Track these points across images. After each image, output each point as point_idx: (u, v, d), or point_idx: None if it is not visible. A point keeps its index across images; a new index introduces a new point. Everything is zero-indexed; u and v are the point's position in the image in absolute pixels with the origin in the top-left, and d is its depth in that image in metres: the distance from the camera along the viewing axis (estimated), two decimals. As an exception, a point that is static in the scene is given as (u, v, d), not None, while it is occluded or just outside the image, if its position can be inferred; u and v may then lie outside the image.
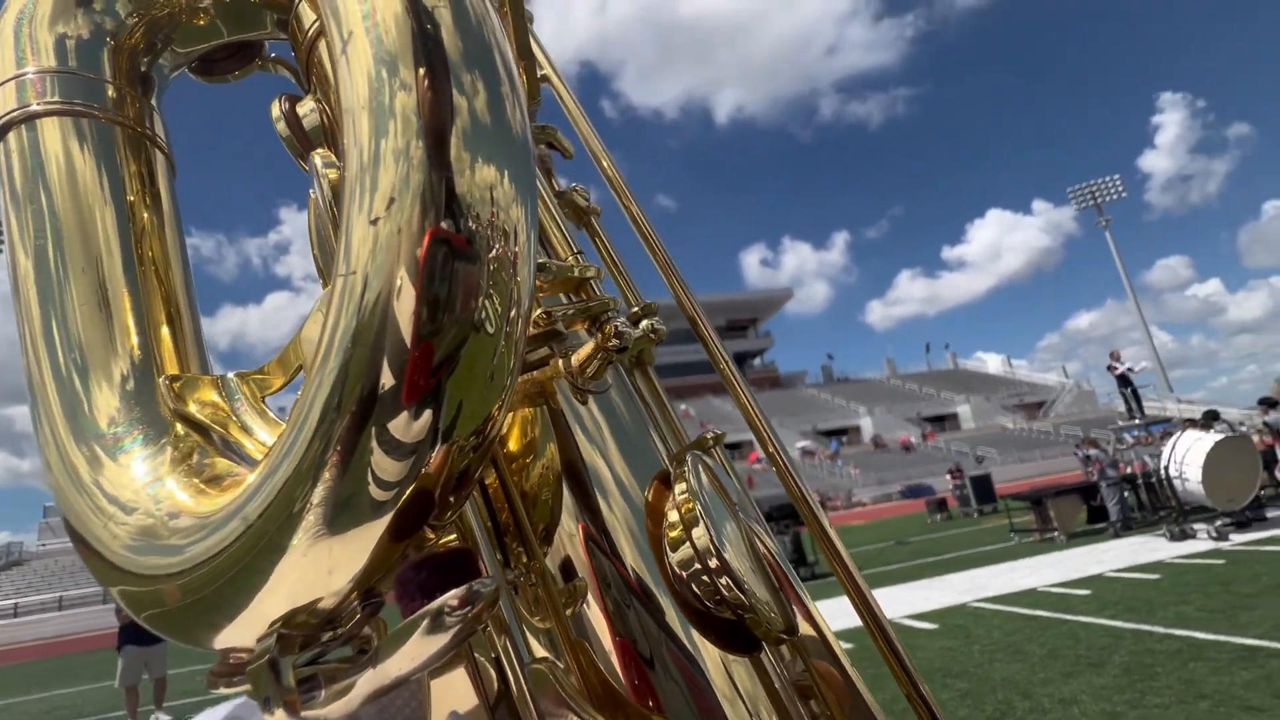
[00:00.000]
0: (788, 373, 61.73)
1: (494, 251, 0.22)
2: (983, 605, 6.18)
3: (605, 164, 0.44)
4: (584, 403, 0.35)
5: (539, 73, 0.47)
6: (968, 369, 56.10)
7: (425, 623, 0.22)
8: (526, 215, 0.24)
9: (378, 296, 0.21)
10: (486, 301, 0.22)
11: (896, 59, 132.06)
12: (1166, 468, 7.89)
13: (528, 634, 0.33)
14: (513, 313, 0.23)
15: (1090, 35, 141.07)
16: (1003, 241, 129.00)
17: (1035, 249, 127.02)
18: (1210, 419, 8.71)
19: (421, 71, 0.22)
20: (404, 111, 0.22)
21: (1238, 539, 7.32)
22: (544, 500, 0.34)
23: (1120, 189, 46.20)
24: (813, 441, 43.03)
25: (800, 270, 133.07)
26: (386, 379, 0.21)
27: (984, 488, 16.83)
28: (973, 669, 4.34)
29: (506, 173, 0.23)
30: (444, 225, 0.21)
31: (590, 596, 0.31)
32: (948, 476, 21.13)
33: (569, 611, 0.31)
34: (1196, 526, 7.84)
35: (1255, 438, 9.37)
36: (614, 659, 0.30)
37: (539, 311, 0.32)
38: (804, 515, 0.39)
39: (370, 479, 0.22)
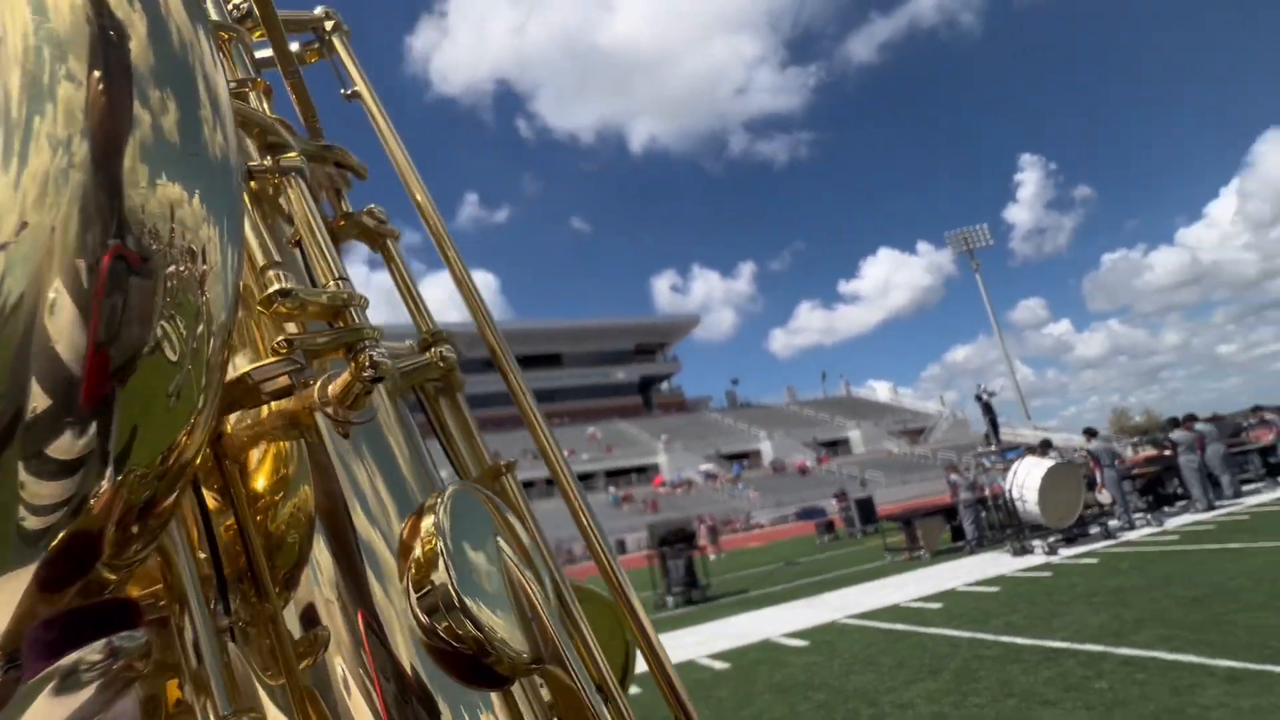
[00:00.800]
0: (694, 397, 63.45)
1: (174, 268, 0.21)
2: (850, 621, 6.59)
3: (414, 186, 0.43)
4: (345, 435, 0.33)
5: (351, 89, 0.46)
6: (859, 397, 60.44)
7: (54, 683, 0.20)
8: (221, 235, 0.23)
9: (20, 300, 0.18)
10: (165, 322, 0.21)
11: (800, 105, 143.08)
12: (1010, 490, 8.91)
13: (260, 691, 0.30)
14: (199, 331, 0.22)
15: (969, 95, 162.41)
16: (892, 278, 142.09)
17: (919, 286, 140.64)
18: (1045, 447, 9.97)
19: (97, 74, 0.20)
20: (69, 104, 0.20)
21: (1065, 553, 8.36)
22: (291, 542, 0.32)
23: (988, 236, 52.62)
24: (715, 465, 44.32)
25: (709, 297, 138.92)
26: (37, 400, 0.19)
27: (866, 510, 18.07)
28: (831, 681, 4.61)
29: (197, 193, 0.22)
30: (112, 237, 0.19)
31: (333, 644, 0.30)
32: (834, 500, 22.52)
33: (306, 663, 0.30)
34: (1034, 543, 8.88)
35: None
36: (354, 709, 0.29)
37: (278, 339, 0.31)
38: (591, 548, 0.40)
39: (20, 512, 0.19)
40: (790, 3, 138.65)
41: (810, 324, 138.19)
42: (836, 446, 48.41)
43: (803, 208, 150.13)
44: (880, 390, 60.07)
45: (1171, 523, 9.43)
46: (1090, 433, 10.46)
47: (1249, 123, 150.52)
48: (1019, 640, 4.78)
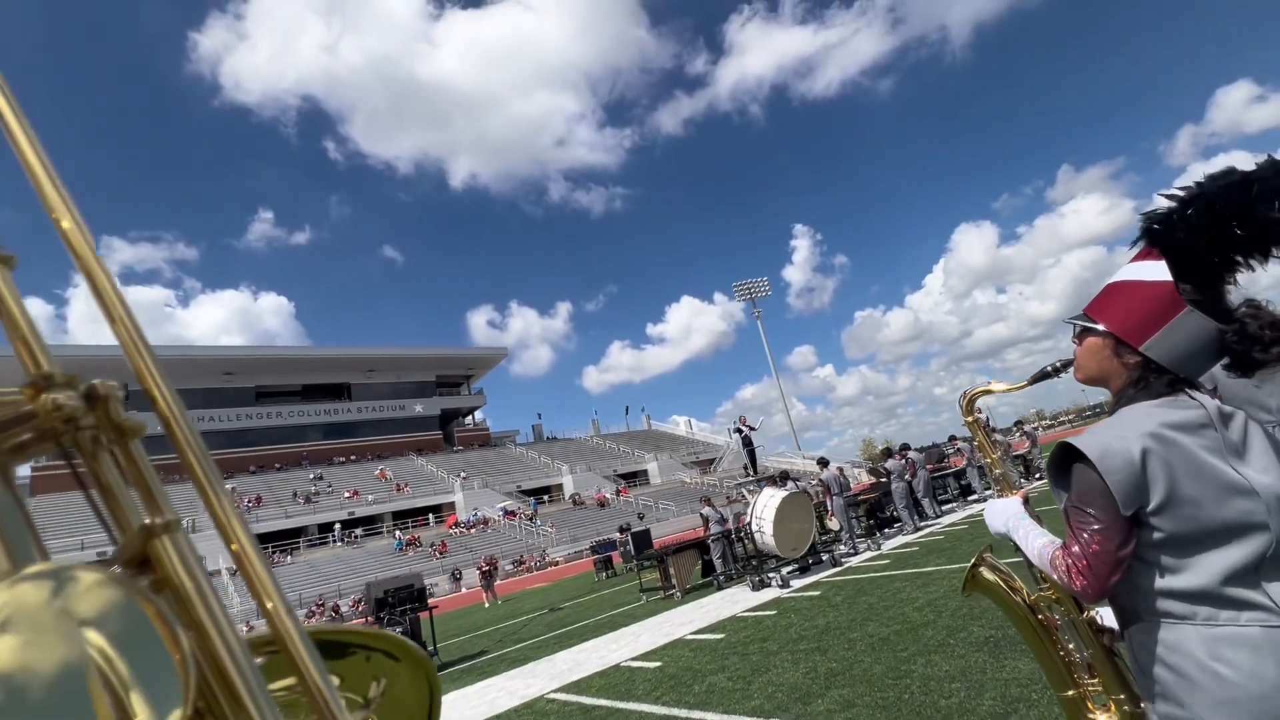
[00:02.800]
0: (498, 432, 60.52)
1: None
2: (557, 696, 5.44)
3: (46, 185, 0.33)
4: None
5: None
6: (659, 429, 62.74)
7: None
8: None
9: None
10: None
11: (616, 162, 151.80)
12: (750, 522, 8.69)
13: None
14: None
15: (755, 169, 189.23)
16: (692, 323, 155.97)
17: (715, 332, 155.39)
18: (783, 478, 10.12)
19: None
20: None
21: (796, 584, 8.25)
22: None
23: (767, 289, 58.90)
24: (515, 501, 41.93)
25: (527, 334, 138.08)
26: None
27: (643, 543, 17.64)
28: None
29: None
30: None
31: None
32: (618, 533, 21.97)
33: None
34: (771, 575, 8.71)
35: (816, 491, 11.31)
36: None
37: None
38: (270, 625, 0.31)
39: None
40: (607, 70, 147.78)
41: (621, 362, 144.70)
42: (636, 478, 49.22)
43: (616, 255, 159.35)
44: (681, 424, 63.14)
45: (887, 545, 10.04)
46: (823, 462, 10.93)
47: (950, 215, 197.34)
48: (709, 717, 3.95)
